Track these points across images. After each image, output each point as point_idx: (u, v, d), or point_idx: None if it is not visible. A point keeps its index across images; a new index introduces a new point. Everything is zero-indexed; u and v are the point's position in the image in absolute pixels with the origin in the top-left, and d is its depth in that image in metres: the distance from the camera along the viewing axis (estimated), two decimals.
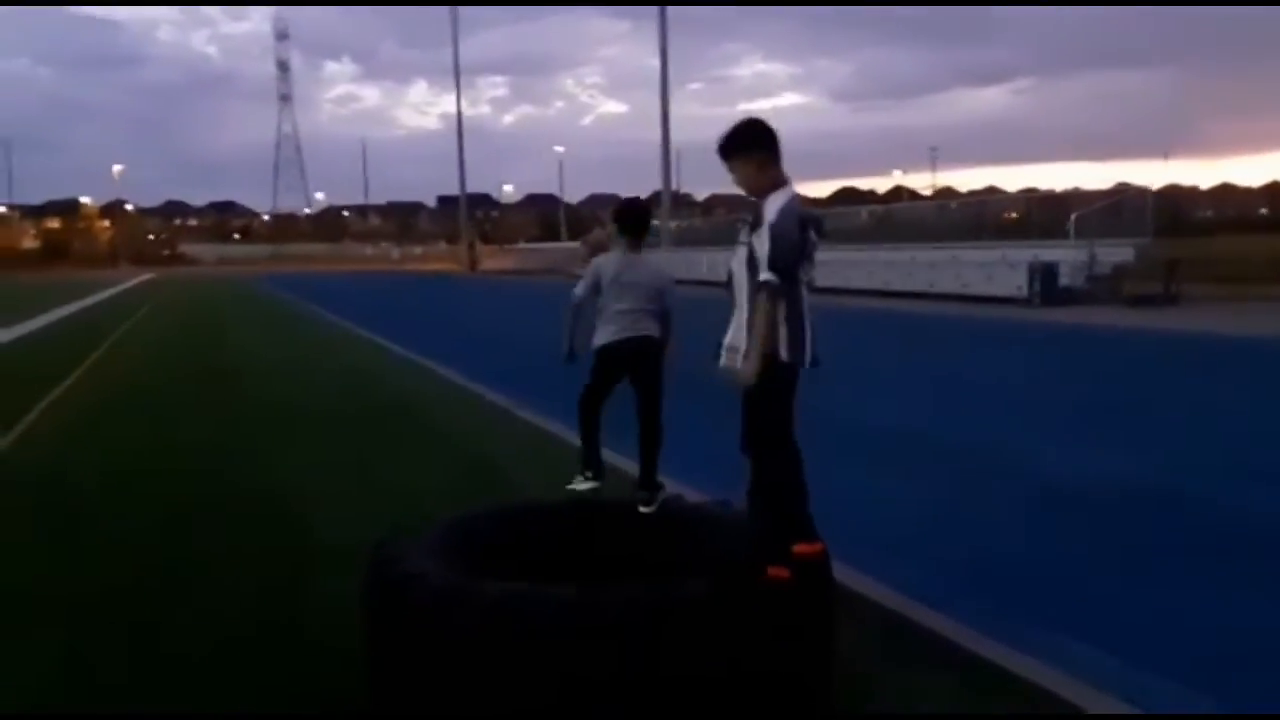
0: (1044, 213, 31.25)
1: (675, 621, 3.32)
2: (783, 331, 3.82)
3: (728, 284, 4.09)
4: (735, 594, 3.50)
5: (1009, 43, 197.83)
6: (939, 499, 6.41)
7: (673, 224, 51.81)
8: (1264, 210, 77.40)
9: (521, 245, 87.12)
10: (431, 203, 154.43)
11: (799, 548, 3.82)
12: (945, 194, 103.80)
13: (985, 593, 4.69)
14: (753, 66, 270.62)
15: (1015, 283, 22.61)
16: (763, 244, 3.79)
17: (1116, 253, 23.08)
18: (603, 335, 4.90)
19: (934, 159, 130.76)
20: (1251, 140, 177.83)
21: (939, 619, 4.27)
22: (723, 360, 3.96)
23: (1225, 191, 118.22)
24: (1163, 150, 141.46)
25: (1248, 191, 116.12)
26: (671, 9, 47.69)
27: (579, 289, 4.91)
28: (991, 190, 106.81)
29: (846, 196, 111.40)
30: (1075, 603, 4.60)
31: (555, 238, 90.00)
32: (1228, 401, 10.23)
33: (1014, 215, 35.77)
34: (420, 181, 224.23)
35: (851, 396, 10.39)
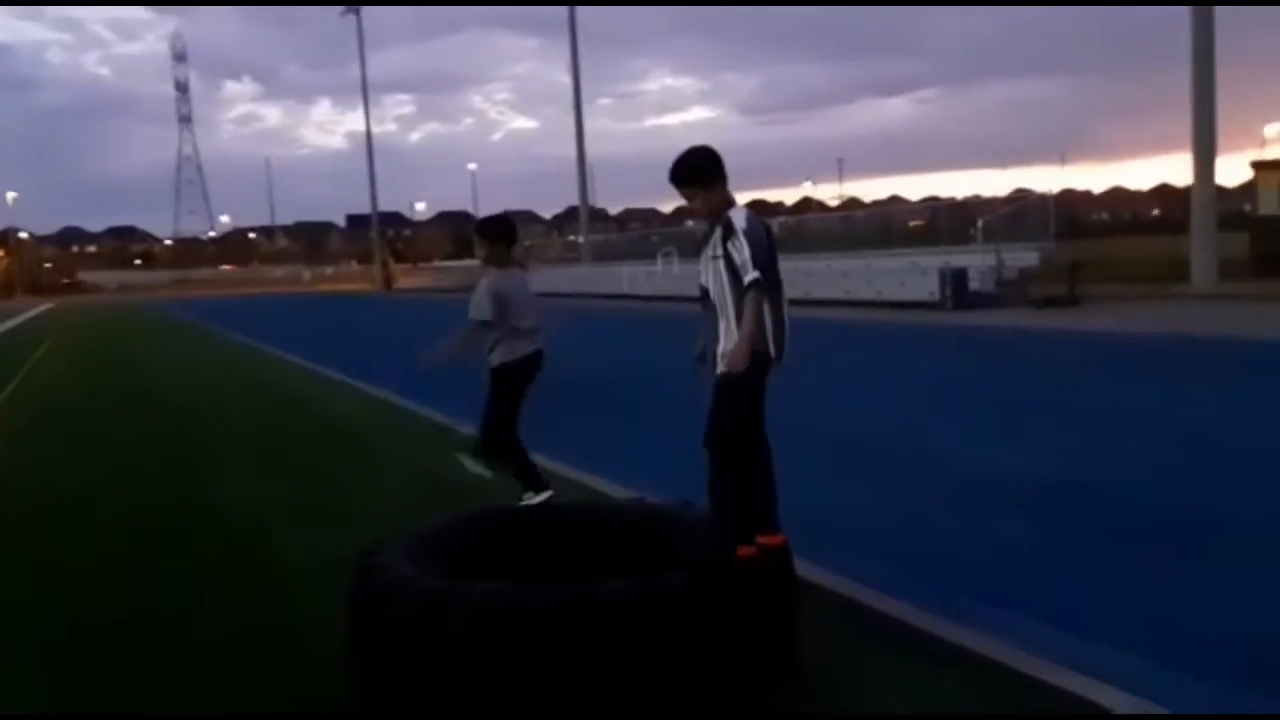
0: (949, 220, 32.41)
1: (658, 612, 3.53)
2: (769, 327, 4.16)
3: (703, 298, 4.38)
4: (710, 584, 3.73)
5: (913, 54, 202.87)
6: (877, 494, 6.74)
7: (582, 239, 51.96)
8: (1156, 211, 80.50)
9: (435, 263, 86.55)
10: (341, 222, 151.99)
11: (761, 539, 4.09)
12: (851, 204, 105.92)
13: (926, 578, 4.99)
14: (661, 81, 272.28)
15: (928, 288, 23.32)
16: (741, 249, 4.11)
17: (1022, 257, 23.98)
18: (512, 351, 5.19)
19: (841, 169, 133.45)
20: (1141, 143, 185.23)
21: (890, 602, 4.56)
22: (720, 367, 4.20)
23: (1118, 194, 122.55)
24: (1059, 155, 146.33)
25: (1138, 194, 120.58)
26: (581, 26, 47.80)
27: (487, 310, 5.12)
28: (895, 199, 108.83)
29: (757, 208, 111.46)
30: (1014, 583, 4.94)
31: (469, 255, 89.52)
32: (1131, 396, 10.78)
33: (918, 223, 36.91)
34: (328, 201, 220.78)
35: (789, 400, 10.75)
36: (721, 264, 4.21)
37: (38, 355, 22.80)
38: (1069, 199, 29.21)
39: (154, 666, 4.25)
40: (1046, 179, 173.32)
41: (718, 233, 4.23)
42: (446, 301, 44.40)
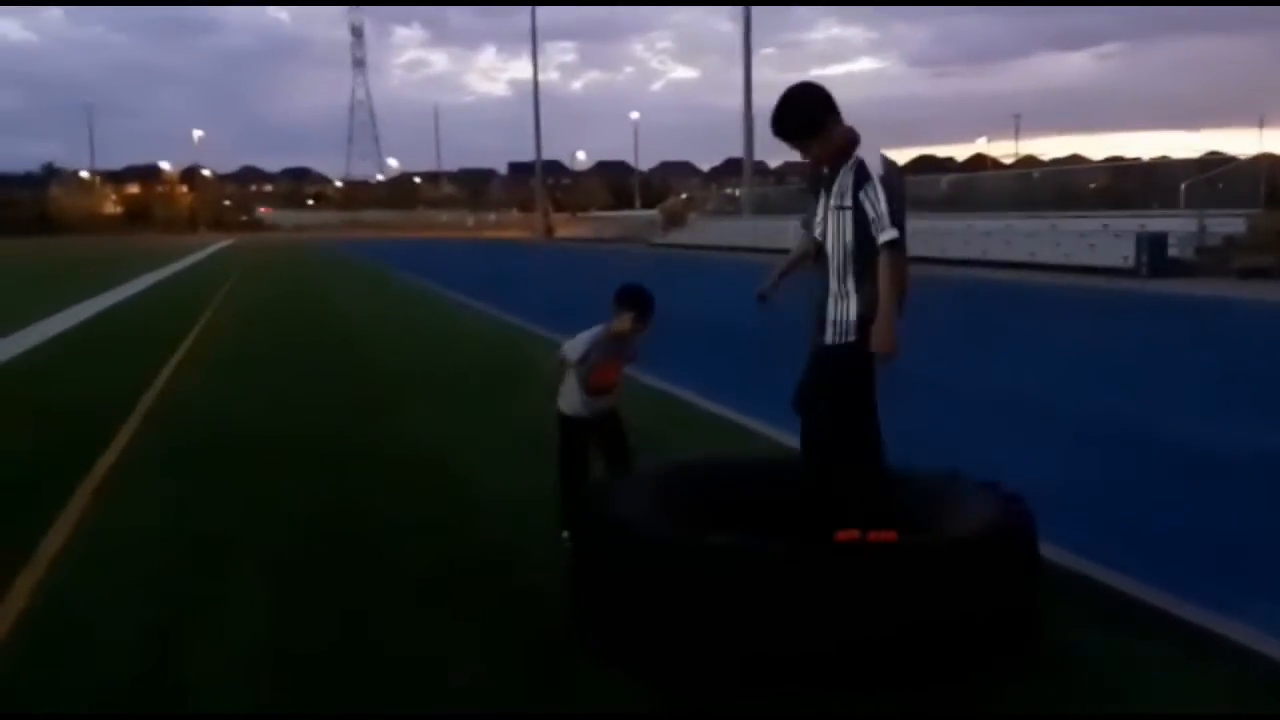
0: (1132, 181, 30.61)
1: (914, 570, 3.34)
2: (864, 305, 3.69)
3: (818, 253, 3.85)
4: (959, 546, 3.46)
5: (1095, 7, 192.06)
6: (1100, 466, 6.27)
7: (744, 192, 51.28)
8: None
9: (594, 213, 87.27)
10: (503, 169, 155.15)
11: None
12: (1028, 162, 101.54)
13: (1161, 556, 4.56)
14: (827, 31, 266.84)
15: (1121, 253, 22.04)
16: (878, 201, 3.58)
17: (1226, 223, 22.38)
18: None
19: (1017, 126, 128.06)
20: None
21: (1129, 581, 4.15)
22: (828, 337, 3.76)
23: None
24: (1258, 117, 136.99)
25: None
26: None
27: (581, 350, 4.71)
28: (1075, 158, 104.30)
29: (924, 165, 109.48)
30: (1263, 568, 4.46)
31: (628, 205, 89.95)
32: None
33: (1095, 185, 34.94)
34: (490, 148, 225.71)
35: (992, 366, 10.31)
36: (849, 216, 3.65)
37: (226, 289, 23.80)
38: (1274, 164, 27.06)
39: (374, 593, 4.20)
40: (1243, 142, 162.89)
41: (848, 179, 3.67)
42: (609, 251, 44.80)
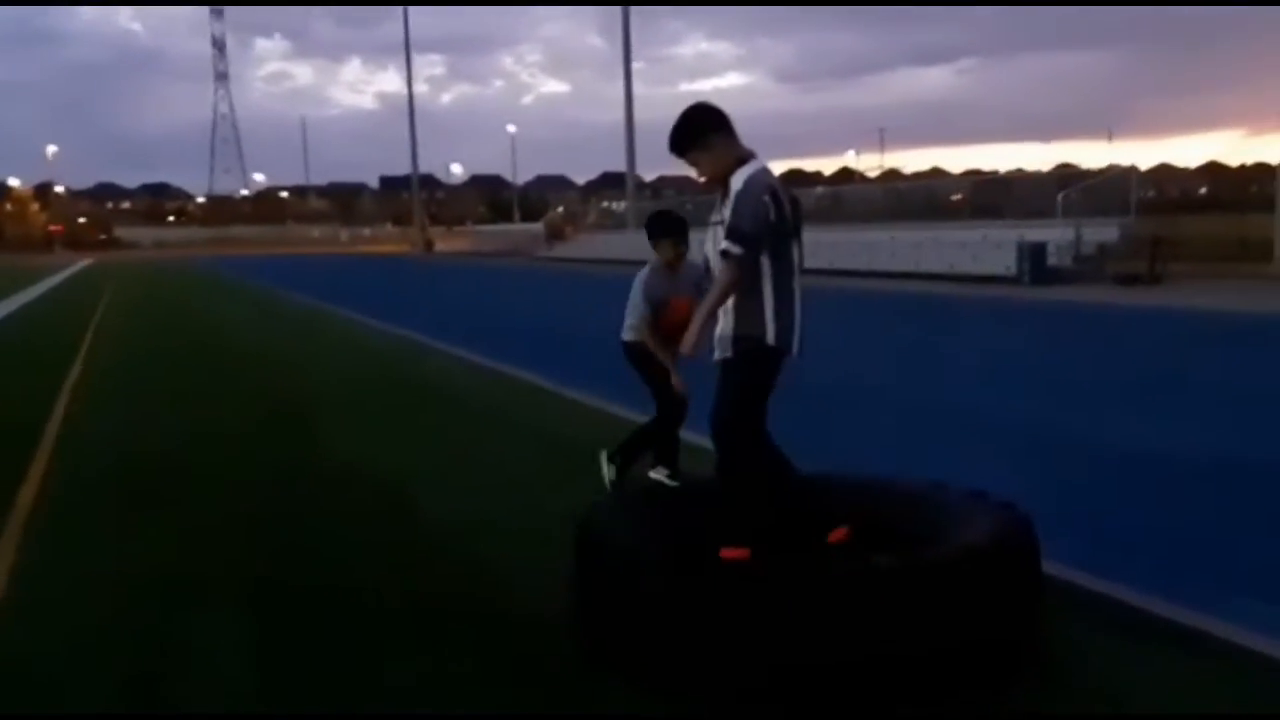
0: (994, 193, 32.04)
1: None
2: (769, 314, 3.68)
3: (706, 273, 4.03)
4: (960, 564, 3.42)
5: (953, 22, 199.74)
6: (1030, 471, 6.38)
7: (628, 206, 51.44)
8: (1203, 190, 79.09)
9: (471, 227, 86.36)
10: (374, 183, 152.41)
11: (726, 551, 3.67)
12: (891, 175, 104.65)
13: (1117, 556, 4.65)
14: (696, 46, 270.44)
15: (1004, 262, 22.82)
16: (731, 214, 3.68)
17: (1101, 232, 23.39)
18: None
19: (882, 140, 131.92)
20: (1190, 120, 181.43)
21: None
22: (716, 354, 3.81)
23: (1164, 172, 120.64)
24: (1106, 130, 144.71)
25: (1185, 172, 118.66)
26: None
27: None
28: (937, 172, 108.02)
29: (794, 178, 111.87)
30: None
31: (506, 219, 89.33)
32: (1249, 375, 10.36)
33: (958, 196, 36.38)
34: (358, 162, 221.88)
35: (890, 376, 10.46)
36: (720, 231, 3.73)
37: (98, 318, 22.71)
38: (1142, 175, 28.84)
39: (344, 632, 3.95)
40: (1093, 154, 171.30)
41: (726, 197, 3.78)
42: (496, 267, 44.19)
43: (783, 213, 3.70)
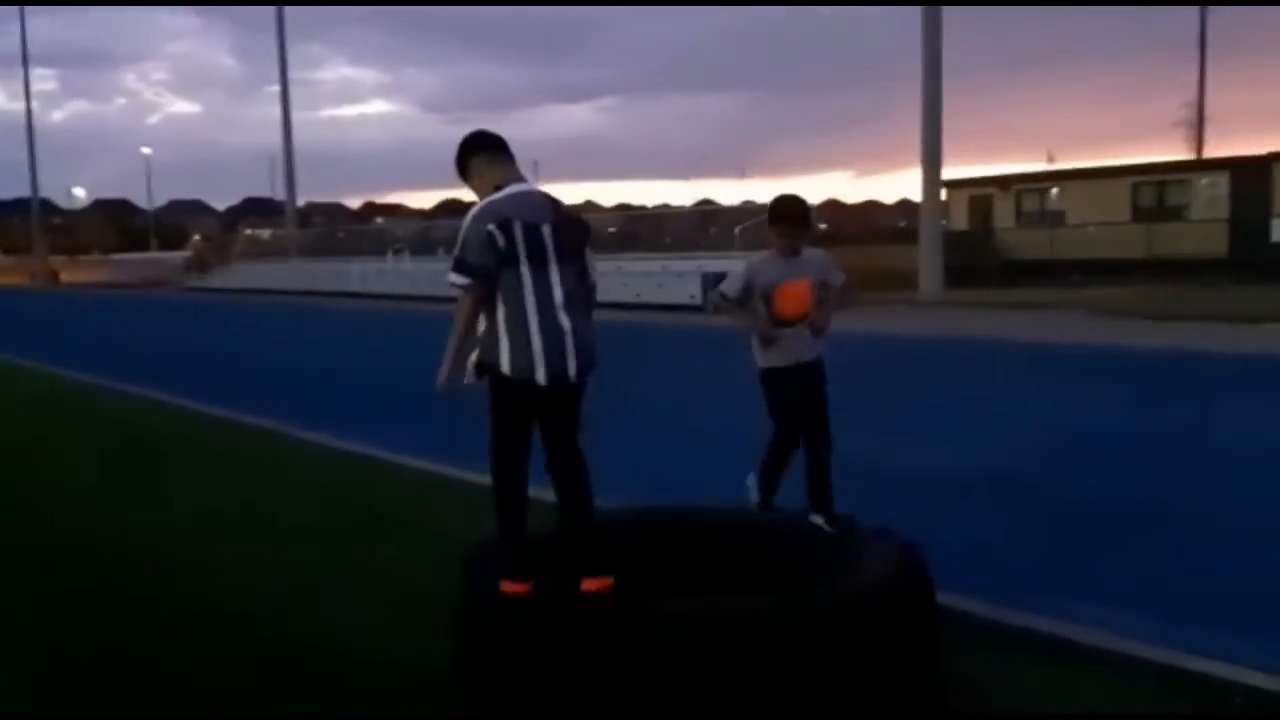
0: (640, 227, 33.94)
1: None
2: (503, 343, 3.62)
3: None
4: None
5: (594, 62, 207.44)
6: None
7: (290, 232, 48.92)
8: (824, 225, 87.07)
9: (99, 256, 78.82)
10: None
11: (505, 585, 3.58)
12: None
13: None
14: (338, 71, 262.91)
15: (688, 291, 23.80)
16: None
17: None
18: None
19: (537, 172, 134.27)
20: (810, 161, 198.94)
21: None
22: (464, 381, 3.75)
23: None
24: (739, 169, 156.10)
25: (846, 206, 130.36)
26: (247, 7, 45.19)
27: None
28: (591, 205, 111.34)
29: (451, 208, 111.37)
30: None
31: (140, 247, 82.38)
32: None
33: (611, 230, 38.02)
34: None
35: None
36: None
37: None
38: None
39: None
40: (728, 192, 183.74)
41: None
42: (147, 296, 40.41)
43: (513, 241, 3.61)
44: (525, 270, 3.60)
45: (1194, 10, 45.48)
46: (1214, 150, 42.35)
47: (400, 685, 3.81)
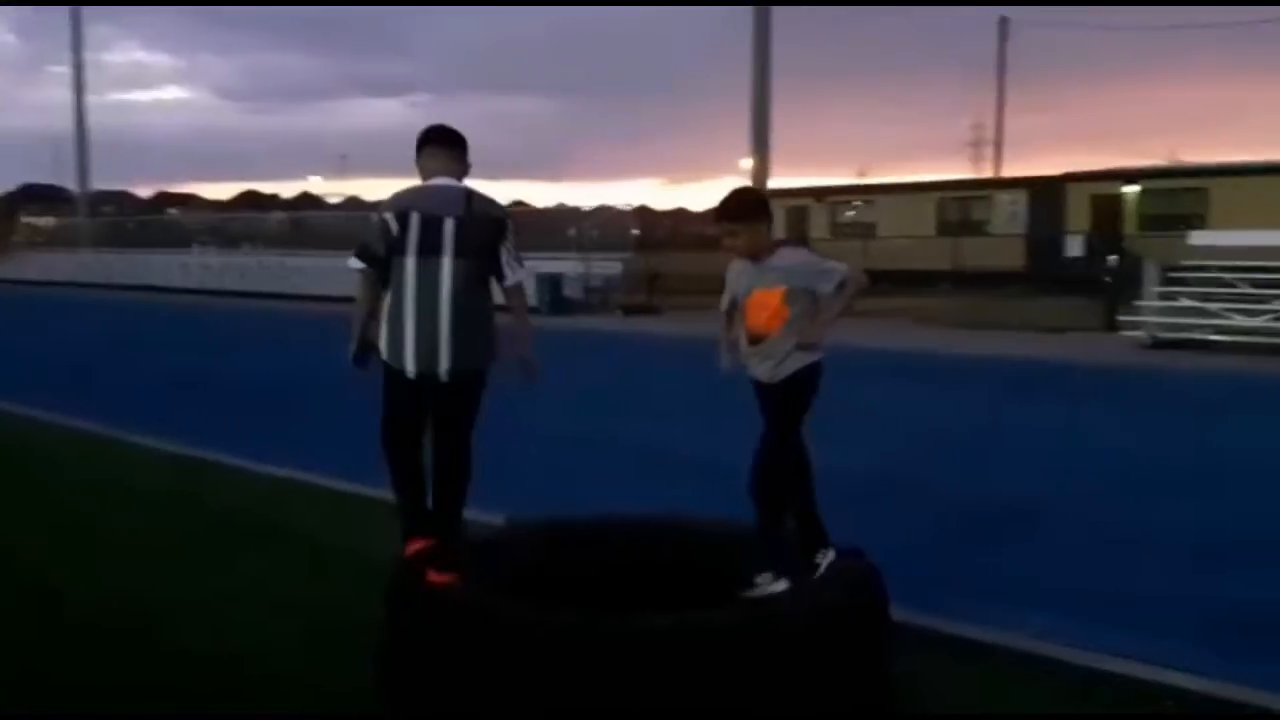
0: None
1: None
2: (383, 330, 3.72)
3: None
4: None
5: (396, 58, 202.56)
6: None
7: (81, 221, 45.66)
8: (636, 231, 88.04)
9: None
10: None
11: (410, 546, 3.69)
12: (352, 203, 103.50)
13: None
14: (128, 55, 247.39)
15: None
16: None
17: (607, 266, 25.07)
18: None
19: (344, 166, 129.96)
20: (624, 165, 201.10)
21: None
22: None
23: (604, 213, 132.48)
24: (552, 172, 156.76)
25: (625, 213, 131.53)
26: None
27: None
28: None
29: (251, 200, 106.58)
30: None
31: None
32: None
33: None
34: None
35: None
36: None
37: None
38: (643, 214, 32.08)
39: None
40: (541, 193, 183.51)
41: None
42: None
43: (405, 230, 3.66)
44: (411, 261, 3.65)
45: (992, 34, 48.39)
46: (1006, 170, 45.25)
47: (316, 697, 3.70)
